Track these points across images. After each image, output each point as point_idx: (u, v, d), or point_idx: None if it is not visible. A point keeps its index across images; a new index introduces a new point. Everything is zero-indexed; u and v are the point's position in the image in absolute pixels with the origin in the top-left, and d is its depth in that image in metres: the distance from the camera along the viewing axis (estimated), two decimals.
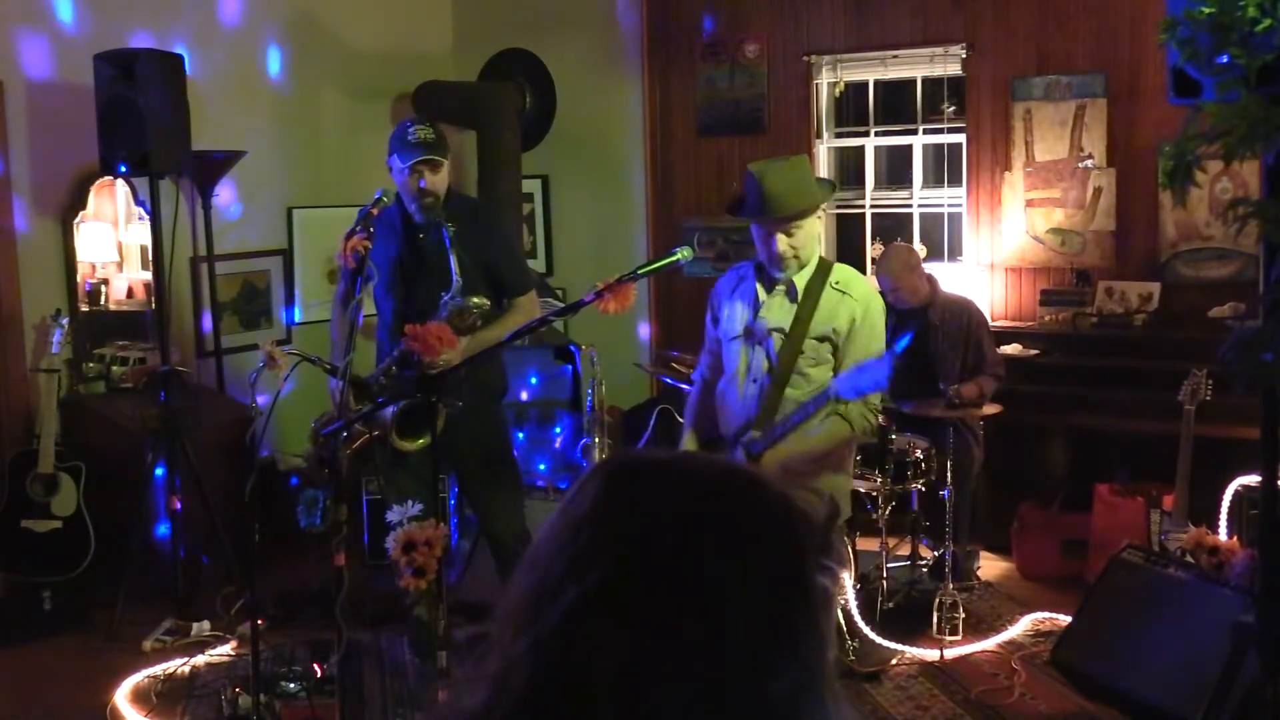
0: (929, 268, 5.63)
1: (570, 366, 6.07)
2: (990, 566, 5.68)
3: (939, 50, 6.30)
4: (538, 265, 7.22)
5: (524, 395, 6.13)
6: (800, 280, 3.82)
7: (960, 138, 6.34)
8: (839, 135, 6.80)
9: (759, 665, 0.93)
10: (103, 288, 5.91)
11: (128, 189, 5.92)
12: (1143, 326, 5.70)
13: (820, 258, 3.90)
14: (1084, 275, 5.99)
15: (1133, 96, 5.85)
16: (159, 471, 5.27)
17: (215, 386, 5.99)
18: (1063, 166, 6.04)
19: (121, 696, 4.46)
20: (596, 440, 4.94)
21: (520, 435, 5.98)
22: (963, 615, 4.84)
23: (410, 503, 3.29)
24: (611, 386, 5.25)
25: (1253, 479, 4.41)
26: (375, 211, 3.90)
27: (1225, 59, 2.42)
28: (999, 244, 6.22)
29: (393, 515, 3.20)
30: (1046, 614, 5.01)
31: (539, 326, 3.93)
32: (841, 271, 3.88)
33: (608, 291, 3.36)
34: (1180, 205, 5.53)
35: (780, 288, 3.84)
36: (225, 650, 4.85)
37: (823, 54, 6.63)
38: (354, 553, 5.03)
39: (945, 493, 5.00)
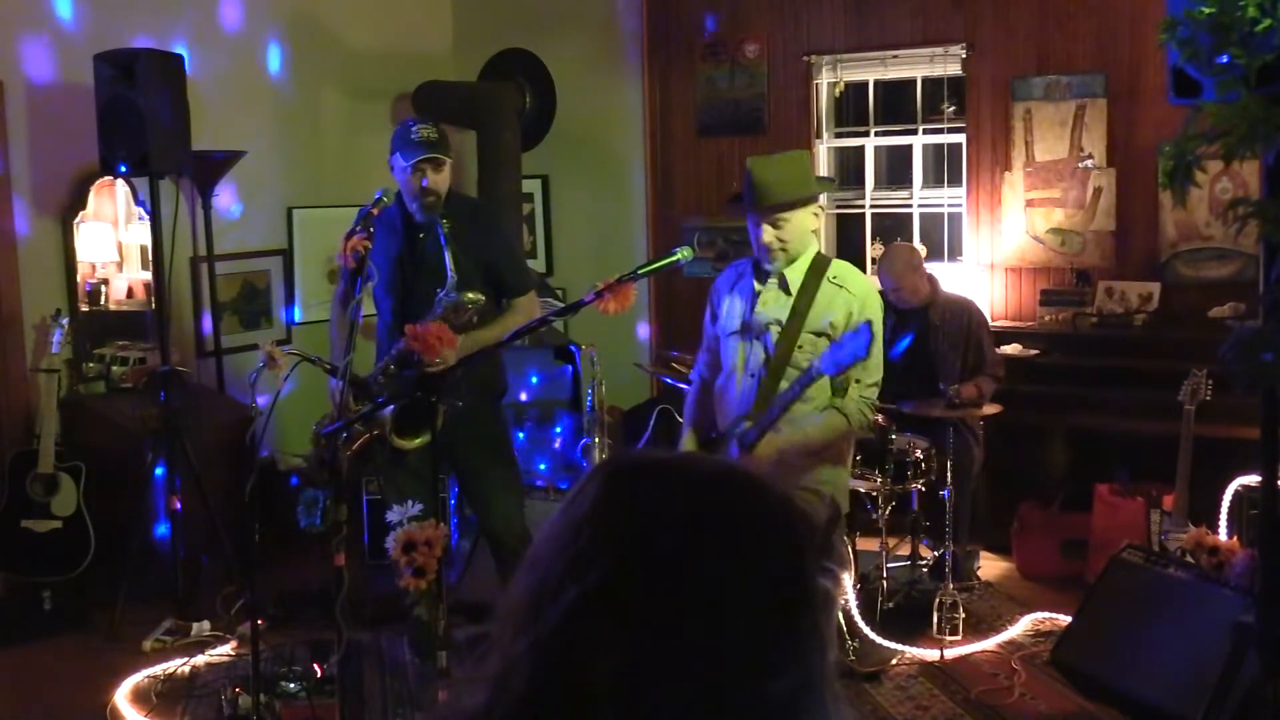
0: (929, 268, 5.63)
1: (570, 366, 6.06)
2: (990, 566, 5.68)
3: (939, 50, 6.30)
4: (538, 265, 7.23)
5: (524, 395, 6.13)
6: (794, 274, 3.81)
7: (960, 138, 6.34)
8: (839, 135, 6.80)
9: (759, 665, 0.93)
10: (103, 288, 5.91)
11: (128, 189, 5.92)
12: (1143, 326, 5.70)
13: (819, 253, 3.90)
14: (1084, 275, 5.99)
15: (1133, 96, 5.85)
16: (159, 471, 5.27)
17: (215, 386, 5.99)
18: (1063, 166, 6.04)
19: (121, 696, 4.46)
20: (596, 440, 4.94)
21: (520, 435, 5.98)
22: (963, 615, 4.84)
23: (410, 503, 3.28)
24: (611, 386, 5.25)
25: (1253, 479, 4.41)
26: (375, 211, 3.90)
27: (1225, 59, 2.42)
28: (999, 244, 6.22)
29: (393, 515, 3.20)
30: (1046, 614, 5.01)
31: (539, 326, 3.93)
32: (840, 267, 3.88)
33: (608, 291, 3.36)
34: (1180, 205, 5.53)
35: (773, 280, 3.85)
36: (225, 650, 4.85)
37: (823, 54, 6.63)
38: (354, 553, 5.02)
39: (945, 493, 5.00)
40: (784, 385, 3.76)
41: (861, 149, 6.74)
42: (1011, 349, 5.81)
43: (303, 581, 5.22)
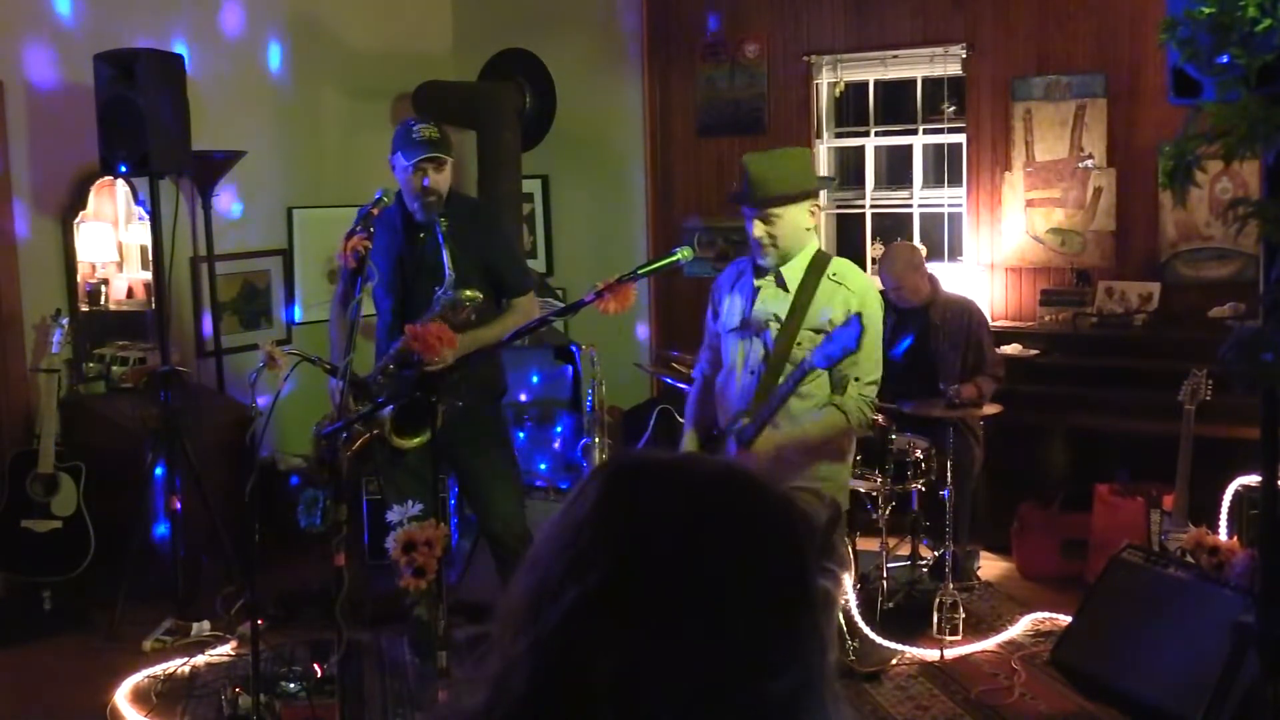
0: (929, 268, 5.63)
1: (570, 366, 6.07)
2: (990, 566, 5.68)
3: (939, 50, 6.30)
4: (538, 265, 7.22)
5: (524, 395, 6.13)
6: (792, 270, 3.81)
7: (960, 138, 6.34)
8: (839, 135, 6.80)
9: (759, 665, 0.93)
10: (103, 288, 5.91)
11: (128, 189, 5.92)
12: (1143, 326, 5.70)
13: (819, 250, 3.89)
14: (1084, 275, 5.99)
15: (1133, 96, 5.85)
16: (159, 471, 5.27)
17: (215, 386, 5.99)
18: (1063, 166, 6.04)
19: (121, 696, 4.46)
20: (596, 440, 4.94)
21: (520, 435, 5.98)
22: (963, 615, 4.84)
23: (410, 503, 3.28)
24: (611, 386, 5.25)
25: (1253, 479, 4.41)
26: (375, 211, 3.90)
27: (1225, 59, 2.42)
28: (999, 244, 6.22)
29: (393, 515, 3.20)
30: (1046, 614, 5.01)
31: (539, 326, 3.92)
32: (840, 264, 3.87)
33: (608, 291, 3.36)
34: (1180, 205, 5.53)
35: (769, 276, 3.85)
36: (225, 650, 4.85)
37: (823, 54, 6.63)
38: (354, 553, 5.02)
39: (945, 493, 5.00)
40: (782, 381, 3.76)
41: (861, 149, 6.74)
42: (1011, 349, 5.81)
43: (303, 581, 5.21)
